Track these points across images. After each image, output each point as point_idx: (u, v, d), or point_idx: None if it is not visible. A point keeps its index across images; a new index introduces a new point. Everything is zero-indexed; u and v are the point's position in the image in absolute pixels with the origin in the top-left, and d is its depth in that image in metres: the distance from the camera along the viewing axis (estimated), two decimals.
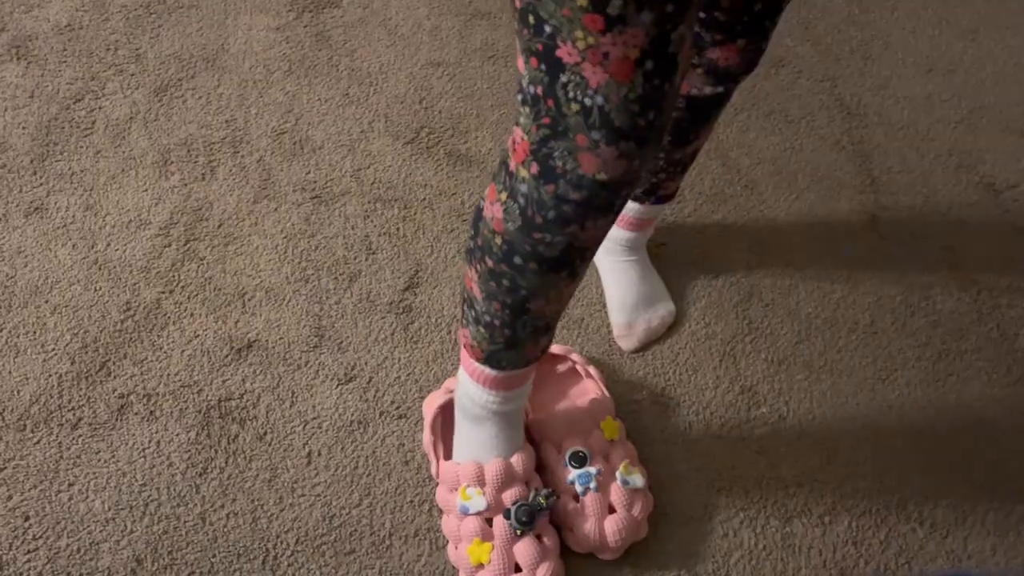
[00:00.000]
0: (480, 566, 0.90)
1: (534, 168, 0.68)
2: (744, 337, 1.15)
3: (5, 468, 0.99)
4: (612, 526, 0.93)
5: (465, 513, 0.92)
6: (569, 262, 0.75)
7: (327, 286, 1.15)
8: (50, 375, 1.06)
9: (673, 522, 0.99)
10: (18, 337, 1.09)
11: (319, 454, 1.02)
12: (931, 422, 1.09)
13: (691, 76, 0.91)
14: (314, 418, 1.04)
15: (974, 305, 1.20)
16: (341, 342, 1.11)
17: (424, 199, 1.25)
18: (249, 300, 1.14)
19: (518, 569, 0.91)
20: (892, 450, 1.06)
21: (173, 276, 1.15)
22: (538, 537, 0.92)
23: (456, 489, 0.93)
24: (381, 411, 1.06)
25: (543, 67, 0.63)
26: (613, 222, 0.73)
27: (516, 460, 0.93)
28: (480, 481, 0.92)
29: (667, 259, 1.21)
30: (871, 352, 1.15)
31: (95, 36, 1.43)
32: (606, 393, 1.03)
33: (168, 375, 1.07)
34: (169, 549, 0.95)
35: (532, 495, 0.91)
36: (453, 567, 0.95)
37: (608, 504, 0.94)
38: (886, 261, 1.23)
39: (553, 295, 0.79)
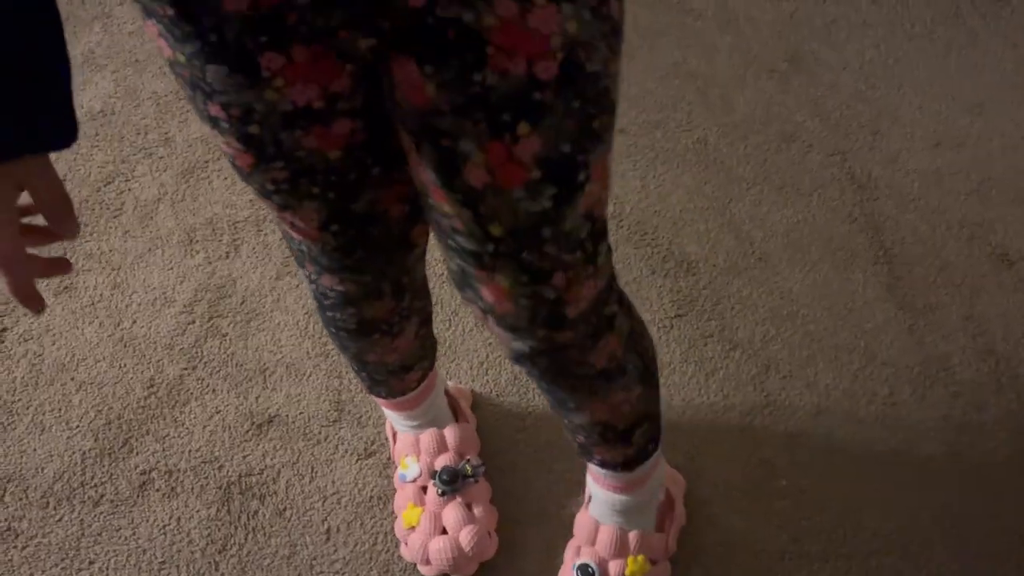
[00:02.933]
0: (412, 529, 0.96)
1: (303, 267, 0.77)
2: (762, 409, 1.15)
3: (28, 546, 1.00)
4: None
5: (403, 481, 0.99)
6: (372, 330, 0.82)
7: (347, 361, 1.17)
8: (74, 452, 1.07)
9: None
10: (44, 414, 1.11)
11: (338, 530, 1.02)
12: (954, 496, 1.07)
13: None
14: (333, 493, 1.05)
15: (993, 375, 1.19)
16: (360, 417, 1.12)
17: (443, 274, 1.28)
18: (270, 375, 1.16)
19: (445, 533, 0.95)
20: (917, 524, 1.05)
21: (196, 352, 1.17)
22: (468, 506, 0.97)
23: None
24: None
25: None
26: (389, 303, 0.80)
27: (448, 431, 1.01)
28: (416, 450, 1.00)
29: (683, 331, 1.22)
30: (891, 424, 1.14)
31: (126, 121, 1.48)
32: (668, 542, 0.97)
33: (189, 451, 1.08)
34: None
35: (462, 464, 0.98)
36: None
37: None
38: (903, 332, 1.23)
39: (380, 350, 0.86)
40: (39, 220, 0.52)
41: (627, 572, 0.91)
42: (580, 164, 0.56)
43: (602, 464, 0.86)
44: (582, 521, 0.95)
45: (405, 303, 0.81)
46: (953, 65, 1.62)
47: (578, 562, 0.92)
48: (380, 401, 0.98)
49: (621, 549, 0.91)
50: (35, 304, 0.52)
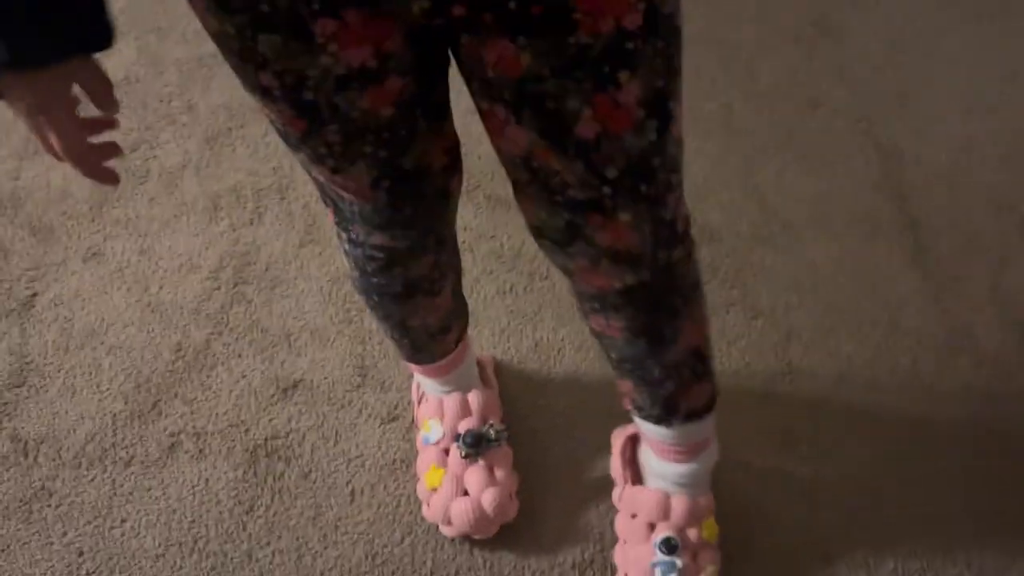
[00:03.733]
0: (434, 490, 0.97)
1: (348, 231, 0.78)
2: (784, 377, 1.15)
3: (61, 505, 1.02)
4: None
5: (427, 443, 1.00)
6: (416, 290, 0.84)
7: (370, 326, 1.18)
8: (104, 414, 1.10)
9: None
10: (75, 378, 1.13)
11: (362, 492, 1.04)
12: (976, 465, 1.07)
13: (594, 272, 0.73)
14: (357, 456, 1.06)
15: (1019, 346, 1.18)
16: (384, 382, 1.13)
17: (464, 241, 1.28)
18: (295, 341, 1.17)
19: (467, 495, 0.97)
20: (938, 494, 1.05)
21: (222, 318, 1.19)
22: (490, 469, 0.97)
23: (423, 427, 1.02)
24: None
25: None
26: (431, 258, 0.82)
27: (473, 395, 1.01)
28: (440, 413, 1.00)
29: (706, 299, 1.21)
30: (913, 393, 1.14)
31: (150, 89, 1.49)
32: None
33: (217, 414, 1.10)
34: None
35: (485, 427, 0.99)
36: None
37: None
38: (928, 302, 1.23)
39: (423, 312, 0.88)
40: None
41: (704, 536, 0.93)
42: (670, 94, 0.61)
43: (688, 416, 0.86)
44: (648, 497, 0.93)
45: (444, 258, 0.83)
46: (985, 32, 1.59)
47: (661, 537, 0.91)
48: (418, 368, 1.00)
49: (696, 517, 0.93)
50: (112, 178, 0.61)
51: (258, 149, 1.40)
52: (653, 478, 0.95)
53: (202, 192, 1.34)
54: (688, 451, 0.90)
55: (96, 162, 0.60)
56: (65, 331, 1.18)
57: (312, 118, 0.61)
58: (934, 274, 1.26)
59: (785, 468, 1.06)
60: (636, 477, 0.98)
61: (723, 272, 1.25)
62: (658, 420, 0.87)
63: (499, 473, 0.99)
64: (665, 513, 0.92)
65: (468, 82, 0.62)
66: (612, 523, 1.00)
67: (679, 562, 0.90)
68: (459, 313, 0.95)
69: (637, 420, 0.91)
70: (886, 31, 1.59)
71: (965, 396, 1.14)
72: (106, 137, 0.61)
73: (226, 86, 1.49)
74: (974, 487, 1.06)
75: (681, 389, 0.84)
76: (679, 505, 0.92)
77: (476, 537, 0.98)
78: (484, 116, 0.63)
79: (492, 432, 0.99)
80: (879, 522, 1.02)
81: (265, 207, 1.32)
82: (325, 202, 0.76)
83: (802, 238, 1.30)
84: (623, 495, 0.97)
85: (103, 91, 0.57)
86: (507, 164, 0.67)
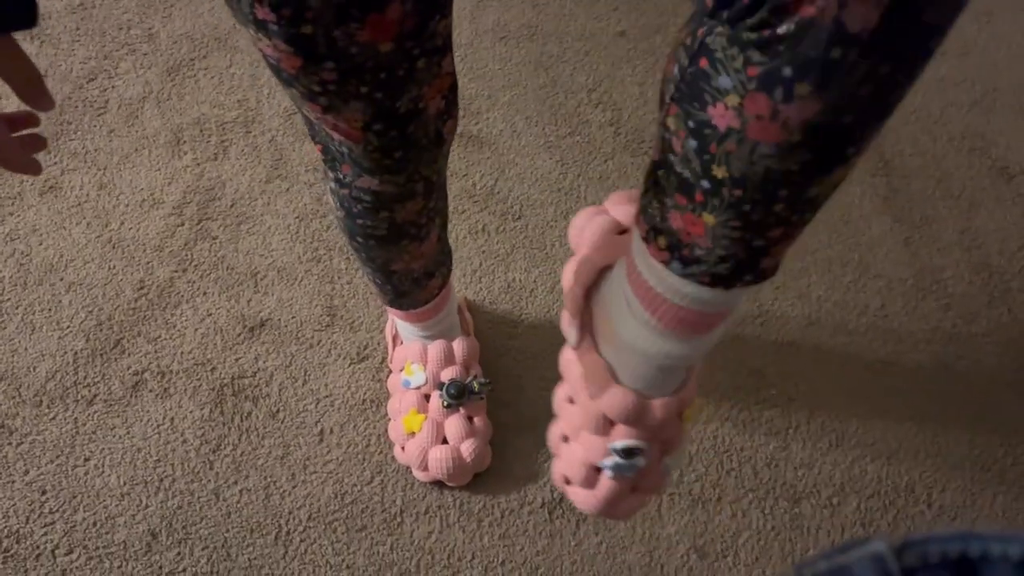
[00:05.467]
0: (412, 434, 0.98)
1: (336, 171, 0.75)
2: (754, 320, 1.15)
3: (23, 443, 1.00)
4: (629, 505, 0.89)
5: (406, 387, 1.00)
6: (401, 235, 0.81)
7: (339, 266, 1.16)
8: (65, 352, 1.07)
9: (682, 502, 1.00)
10: (34, 314, 1.10)
11: (331, 432, 1.03)
12: (940, 405, 1.09)
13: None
14: (326, 396, 1.05)
15: (986, 288, 1.19)
16: (353, 322, 1.11)
17: None
18: (261, 279, 1.15)
19: (446, 443, 0.98)
20: (901, 433, 1.07)
21: (186, 255, 1.16)
22: (469, 418, 0.98)
23: (402, 370, 1.02)
24: None
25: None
26: (420, 203, 0.79)
27: (457, 344, 1.01)
28: (423, 359, 1.00)
29: None
30: (881, 335, 1.15)
31: (108, 15, 1.43)
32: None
33: (182, 353, 1.08)
34: (183, 524, 0.96)
35: (469, 378, 0.99)
36: (460, 544, 0.96)
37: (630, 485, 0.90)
38: (898, 244, 1.23)
39: (407, 257, 0.85)
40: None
41: (683, 421, 0.67)
42: (855, 139, 0.42)
43: (759, 276, 0.54)
44: (620, 400, 0.63)
45: (432, 203, 0.81)
46: None
47: (621, 445, 0.64)
48: (399, 313, 0.98)
49: (675, 414, 0.66)
50: (34, 168, 0.57)
51: (223, 81, 1.35)
52: (628, 352, 0.63)
53: (164, 125, 1.30)
54: (708, 323, 0.59)
55: (17, 159, 0.57)
56: (23, 267, 1.14)
57: (309, 54, 0.57)
58: (905, 217, 1.26)
59: (755, 409, 1.07)
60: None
61: None
62: (716, 280, 0.52)
63: (477, 422, 0.99)
64: (639, 417, 0.63)
65: None
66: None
67: (641, 461, 0.64)
68: (443, 259, 0.93)
69: (667, 276, 0.53)
70: None
71: (931, 338, 1.15)
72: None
73: (189, 14, 1.44)
74: (937, 427, 1.07)
75: (785, 237, 0.52)
76: (660, 410, 0.63)
77: (450, 484, 0.98)
78: None
79: (476, 385, 0.99)
80: (844, 462, 1.04)
81: (230, 141, 1.28)
82: (314, 139, 0.74)
83: None
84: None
85: (30, 82, 0.53)
86: None
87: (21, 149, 0.57)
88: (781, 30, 0.39)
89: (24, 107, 0.59)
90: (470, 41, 1.43)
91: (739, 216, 0.47)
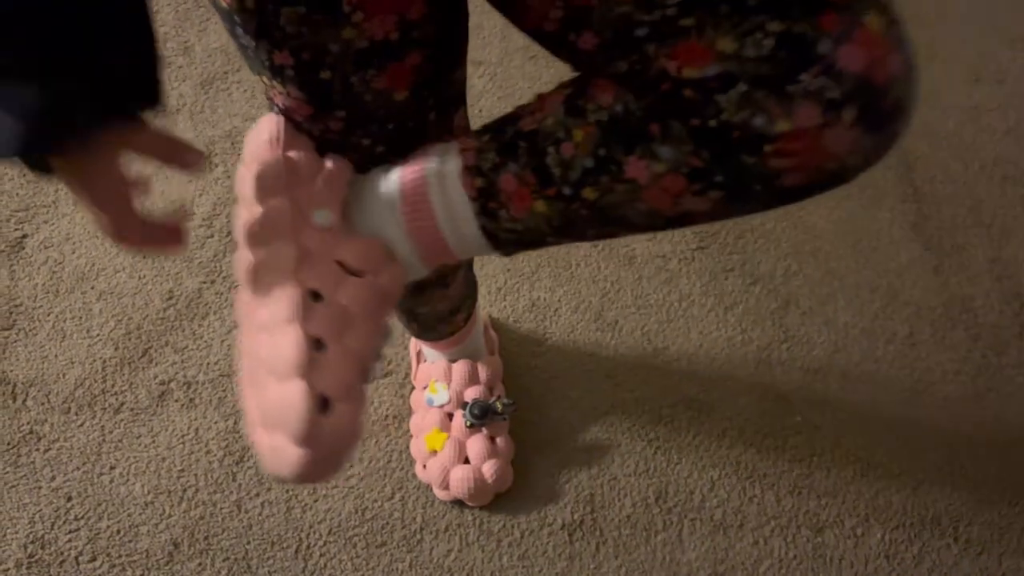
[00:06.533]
0: (434, 453, 0.98)
1: None
2: (780, 345, 1.14)
3: (50, 449, 1.02)
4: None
5: (430, 405, 1.00)
6: (425, 286, 0.80)
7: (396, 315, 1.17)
8: (94, 360, 1.08)
9: (703, 528, 0.99)
10: (64, 322, 1.11)
11: None
12: (969, 438, 1.08)
13: None
14: None
15: (1017, 319, 1.18)
16: None
17: None
18: None
19: (467, 462, 0.97)
20: (928, 464, 1.05)
21: (215, 266, 1.17)
22: (492, 439, 0.99)
23: (426, 387, 1.02)
24: None
25: None
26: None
27: (482, 365, 1.02)
28: (447, 377, 1.00)
29: (704, 263, 1.20)
30: (909, 364, 1.13)
31: None
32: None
33: (208, 364, 1.09)
34: (205, 535, 0.97)
35: (493, 399, 1.00)
36: (478, 564, 0.96)
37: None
38: (927, 272, 1.22)
39: (433, 301, 0.85)
40: None
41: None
42: None
43: None
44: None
45: None
46: None
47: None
48: (426, 343, 0.99)
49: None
50: (177, 241, 0.54)
51: (255, 95, 1.37)
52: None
53: (196, 137, 1.31)
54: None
55: (158, 236, 0.53)
56: (55, 274, 1.16)
57: (322, 102, 0.57)
58: (935, 244, 1.25)
59: (779, 436, 1.06)
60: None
61: (723, 237, 1.24)
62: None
63: (500, 442, 0.99)
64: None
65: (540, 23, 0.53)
66: (586, 481, 1.00)
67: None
68: (468, 294, 0.93)
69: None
70: None
71: (960, 368, 1.13)
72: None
73: (223, 28, 1.45)
74: (965, 459, 1.06)
75: None
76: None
77: (470, 504, 0.98)
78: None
79: (499, 405, 0.99)
80: (869, 492, 1.03)
81: None
82: None
83: (803, 204, 1.28)
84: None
85: (170, 151, 0.51)
86: (622, 17, 0.47)
87: (162, 228, 0.52)
88: None
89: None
90: (500, 60, 1.44)
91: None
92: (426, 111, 0.60)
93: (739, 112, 0.43)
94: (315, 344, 0.54)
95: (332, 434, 0.52)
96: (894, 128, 0.45)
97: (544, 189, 0.52)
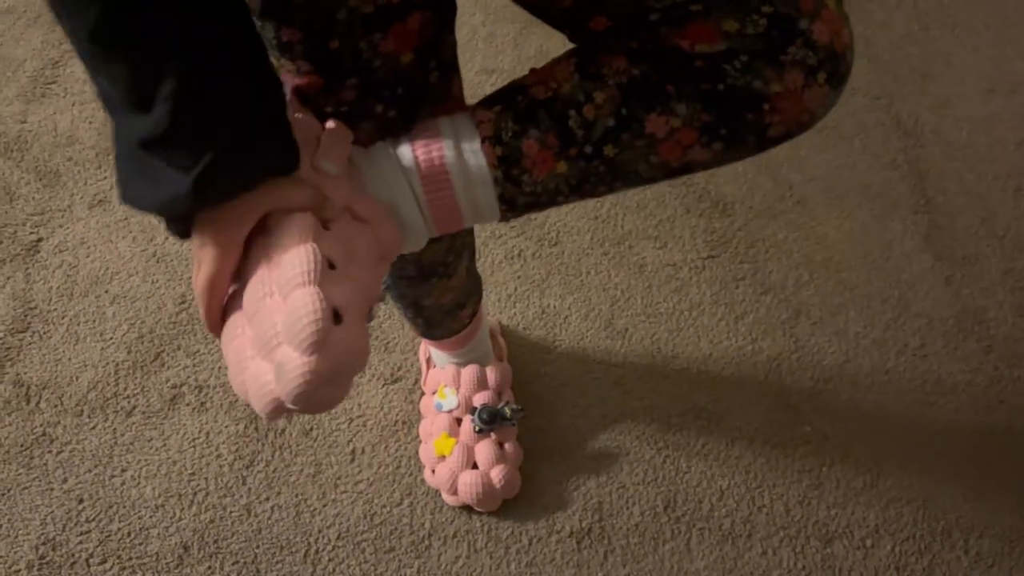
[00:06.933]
0: (442, 457, 0.98)
1: None
2: (790, 355, 1.14)
3: (63, 451, 1.03)
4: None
5: (439, 410, 1.00)
6: (430, 274, 0.81)
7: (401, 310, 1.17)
8: (107, 363, 1.09)
9: (712, 537, 0.99)
10: (78, 325, 1.12)
11: (363, 452, 1.03)
12: (980, 449, 1.07)
13: None
14: (359, 416, 1.06)
15: None
16: (387, 343, 1.12)
17: None
18: None
19: (476, 468, 0.97)
20: (938, 476, 1.05)
21: None
22: (500, 444, 0.99)
23: (435, 392, 1.02)
24: None
25: None
26: (445, 243, 0.79)
27: (490, 370, 1.02)
28: (456, 382, 1.01)
29: (715, 272, 1.20)
30: (920, 375, 1.13)
31: None
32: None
33: (219, 368, 1.09)
34: (215, 538, 0.97)
35: (502, 404, 1.00)
36: (486, 570, 0.96)
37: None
38: (939, 283, 1.21)
39: (437, 292, 0.86)
40: None
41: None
42: None
43: None
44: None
45: (457, 241, 0.81)
46: (1011, 7, 1.55)
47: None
48: (432, 343, 1.00)
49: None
50: (215, 330, 0.55)
51: None
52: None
53: None
54: None
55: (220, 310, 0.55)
56: (69, 278, 1.17)
57: (333, 71, 0.59)
58: (947, 255, 1.24)
59: (788, 446, 1.06)
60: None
61: (734, 246, 1.24)
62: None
63: (508, 448, 0.99)
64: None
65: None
66: (594, 489, 1.00)
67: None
68: (473, 289, 0.94)
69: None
70: (909, 4, 1.56)
71: (972, 380, 1.13)
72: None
73: None
74: (976, 471, 1.05)
75: None
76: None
77: (478, 509, 0.98)
78: None
79: (508, 411, 0.99)
80: (879, 503, 1.02)
81: None
82: None
83: (815, 214, 1.28)
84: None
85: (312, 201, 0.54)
86: (636, 5, 0.55)
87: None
88: None
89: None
90: (512, 68, 1.44)
91: None
92: (429, 71, 0.62)
93: (742, 77, 0.54)
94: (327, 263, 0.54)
95: (342, 343, 0.49)
96: (844, 86, 0.56)
97: (567, 150, 0.58)
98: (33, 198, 1.25)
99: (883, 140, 1.37)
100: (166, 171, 0.48)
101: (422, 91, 0.63)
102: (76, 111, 1.35)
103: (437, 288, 0.85)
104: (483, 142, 0.58)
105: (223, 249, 0.52)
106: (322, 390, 0.48)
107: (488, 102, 0.61)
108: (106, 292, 1.16)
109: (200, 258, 0.53)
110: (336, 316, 0.50)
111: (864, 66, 1.46)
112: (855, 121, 1.40)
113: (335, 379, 0.49)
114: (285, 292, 0.50)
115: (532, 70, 0.61)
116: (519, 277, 1.19)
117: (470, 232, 0.86)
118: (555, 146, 0.58)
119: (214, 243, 0.52)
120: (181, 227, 0.52)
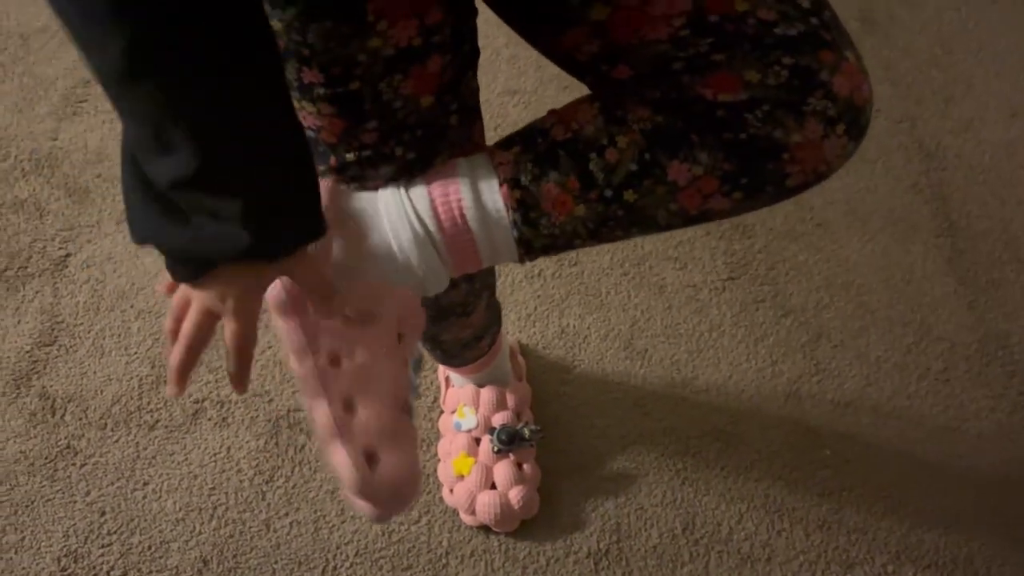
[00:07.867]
0: (461, 477, 0.98)
1: None
2: (811, 378, 1.13)
3: (86, 464, 1.04)
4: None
5: (458, 429, 1.01)
6: (448, 314, 0.82)
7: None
8: (131, 377, 1.11)
9: (730, 560, 0.98)
10: (104, 340, 1.14)
11: None
12: (1004, 476, 1.06)
13: None
14: None
15: None
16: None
17: None
18: None
19: (494, 488, 0.97)
20: (961, 502, 1.04)
21: None
22: (519, 464, 0.99)
23: (454, 412, 1.03)
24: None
25: None
26: (464, 287, 0.79)
27: (510, 390, 1.03)
28: (475, 402, 1.01)
29: (735, 294, 1.20)
30: (942, 400, 1.12)
31: None
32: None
33: None
34: (234, 553, 0.98)
35: (521, 425, 1.00)
36: None
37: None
38: (962, 307, 1.20)
39: (455, 329, 0.86)
40: None
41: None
42: None
43: None
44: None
45: (476, 284, 0.81)
46: None
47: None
48: (451, 369, 1.01)
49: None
50: (242, 387, 0.59)
51: None
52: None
53: None
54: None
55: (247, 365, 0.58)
56: (96, 293, 1.19)
57: (354, 114, 0.59)
58: (970, 279, 1.24)
59: (808, 469, 1.05)
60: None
61: (755, 268, 1.24)
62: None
63: (527, 468, 0.99)
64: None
65: (564, 25, 0.58)
66: (612, 510, 1.00)
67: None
68: (492, 322, 0.94)
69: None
70: (935, 27, 1.56)
71: (995, 406, 1.12)
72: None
73: None
74: (999, 498, 1.04)
75: None
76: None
77: (496, 530, 0.98)
78: (610, 23, 0.55)
79: (527, 432, 0.99)
80: (900, 529, 1.01)
81: None
82: None
83: (837, 236, 1.28)
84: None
85: (320, 288, 0.56)
86: (659, 55, 0.55)
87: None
88: None
89: None
90: (535, 88, 1.46)
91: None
92: (449, 115, 0.63)
93: (764, 127, 0.54)
94: (346, 405, 0.59)
95: (384, 483, 0.56)
96: (863, 139, 0.57)
97: (586, 193, 0.58)
98: (62, 214, 1.27)
99: (905, 163, 1.37)
100: (205, 217, 0.50)
101: (442, 134, 0.63)
102: (106, 129, 1.37)
103: (456, 325, 0.86)
104: (501, 184, 0.59)
105: (252, 305, 0.55)
106: (386, 516, 0.57)
107: (507, 143, 0.61)
108: (131, 307, 1.17)
109: (224, 310, 0.55)
110: (372, 456, 0.55)
111: (887, 89, 1.46)
112: (877, 144, 1.40)
113: (396, 507, 0.57)
114: (323, 444, 0.56)
115: (551, 111, 0.61)
116: (539, 296, 1.19)
117: (491, 271, 0.86)
118: (575, 189, 0.58)
119: (241, 299, 0.54)
120: (193, 271, 0.54)
